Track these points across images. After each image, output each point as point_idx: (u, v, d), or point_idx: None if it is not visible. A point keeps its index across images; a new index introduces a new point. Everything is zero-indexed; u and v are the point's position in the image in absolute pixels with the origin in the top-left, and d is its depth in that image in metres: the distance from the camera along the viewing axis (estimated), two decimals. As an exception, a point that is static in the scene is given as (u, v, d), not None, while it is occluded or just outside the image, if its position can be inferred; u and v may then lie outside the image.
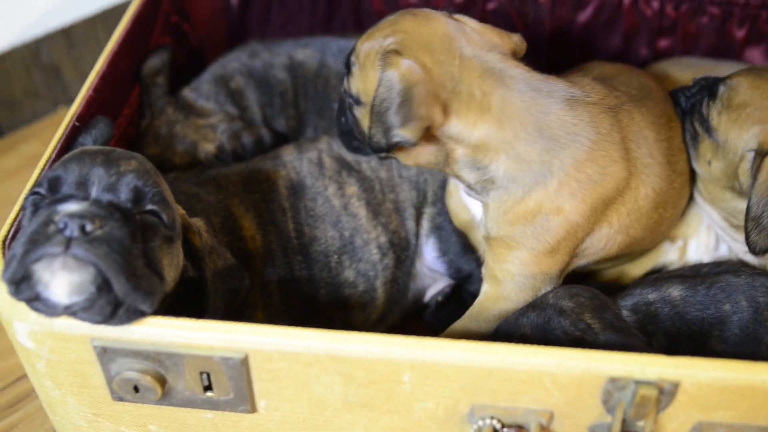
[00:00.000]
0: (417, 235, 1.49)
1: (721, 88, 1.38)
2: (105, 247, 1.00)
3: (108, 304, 1.01)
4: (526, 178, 1.24)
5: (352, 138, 1.36)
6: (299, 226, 1.41)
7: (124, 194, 1.08)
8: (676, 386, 1.03)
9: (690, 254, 1.53)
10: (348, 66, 1.31)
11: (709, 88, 1.42)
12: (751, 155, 1.32)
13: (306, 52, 1.73)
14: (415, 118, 1.18)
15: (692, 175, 1.46)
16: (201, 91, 1.67)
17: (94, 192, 1.07)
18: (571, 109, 1.25)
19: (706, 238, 1.52)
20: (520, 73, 1.26)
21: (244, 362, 1.07)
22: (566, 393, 1.06)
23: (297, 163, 1.48)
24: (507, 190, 1.26)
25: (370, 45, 1.26)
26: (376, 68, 1.23)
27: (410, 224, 1.48)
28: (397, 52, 1.21)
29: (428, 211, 1.49)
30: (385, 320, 1.48)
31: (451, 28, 1.26)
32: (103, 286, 1.00)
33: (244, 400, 1.12)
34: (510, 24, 1.87)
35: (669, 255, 1.52)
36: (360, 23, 1.93)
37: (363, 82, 1.27)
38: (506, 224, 1.27)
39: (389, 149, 1.23)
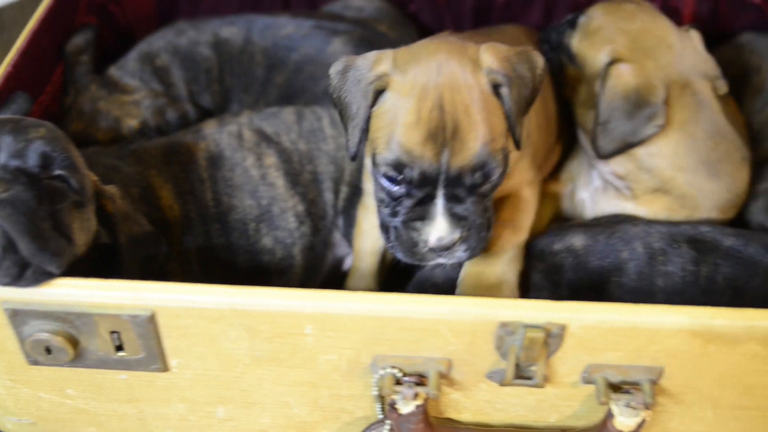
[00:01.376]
0: (335, 207, 1.53)
1: (581, 18, 1.57)
2: (9, 209, 1.03)
3: (14, 265, 1.04)
4: None
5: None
6: (217, 196, 1.45)
7: (32, 160, 1.11)
8: (563, 329, 1.08)
9: (579, 194, 1.64)
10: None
11: (571, 21, 1.60)
12: (603, 70, 1.48)
13: (231, 29, 1.76)
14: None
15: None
16: (126, 69, 1.71)
17: (2, 158, 1.10)
18: None
19: (587, 176, 1.62)
20: None
21: (152, 320, 1.11)
22: (462, 340, 1.11)
23: (217, 135, 1.51)
24: None
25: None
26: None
27: (328, 195, 1.53)
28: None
29: (344, 190, 1.54)
30: (304, 287, 1.51)
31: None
32: (9, 246, 1.03)
33: (155, 358, 1.16)
34: (433, 2, 1.92)
35: (564, 202, 1.61)
36: (287, 3, 1.96)
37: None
38: None
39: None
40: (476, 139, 1.14)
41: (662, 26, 1.53)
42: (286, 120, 1.57)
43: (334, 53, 1.71)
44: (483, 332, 1.10)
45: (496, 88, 1.18)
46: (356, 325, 1.10)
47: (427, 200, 1.16)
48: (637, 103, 1.44)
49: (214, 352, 1.16)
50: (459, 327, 1.09)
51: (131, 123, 1.61)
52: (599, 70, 1.49)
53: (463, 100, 1.14)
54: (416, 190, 1.16)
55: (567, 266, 1.36)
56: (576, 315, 1.08)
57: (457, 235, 1.16)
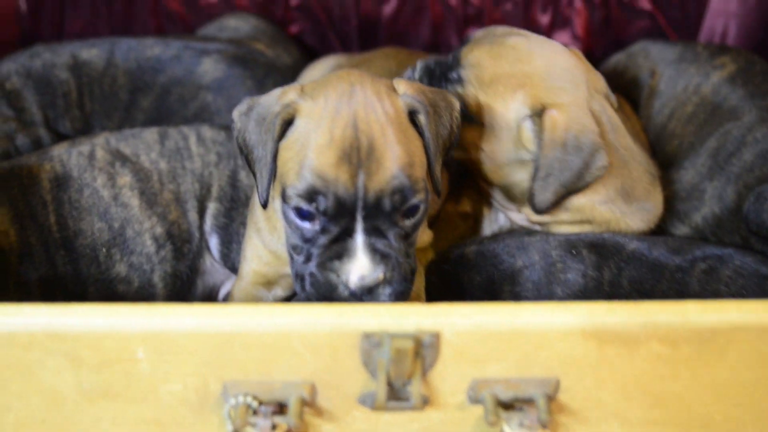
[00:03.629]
0: (200, 229, 1.38)
1: (463, 72, 1.33)
2: None
3: None
4: None
5: None
6: (62, 219, 1.29)
7: None
8: (436, 337, 0.94)
9: (484, 230, 1.50)
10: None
11: (441, 75, 1.37)
12: (527, 122, 1.28)
13: (92, 51, 1.64)
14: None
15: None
16: (-27, 95, 1.56)
17: None
18: None
19: (491, 215, 1.49)
20: None
21: (-48, 350, 0.93)
22: (321, 357, 0.95)
23: (65, 156, 1.36)
24: None
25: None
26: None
27: (192, 216, 1.38)
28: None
29: (212, 206, 1.40)
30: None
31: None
32: None
33: (-36, 399, 0.98)
34: (315, 20, 1.81)
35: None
36: (160, 26, 1.84)
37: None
38: None
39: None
40: (393, 160, 1.05)
41: (560, 55, 1.35)
42: (147, 139, 1.42)
43: (205, 73, 1.59)
44: (345, 346, 0.94)
45: (412, 115, 1.11)
46: (195, 345, 0.94)
47: (345, 236, 1.06)
48: (578, 147, 1.27)
49: (34, 387, 0.98)
50: (315, 340, 0.94)
51: (-27, 150, 1.45)
52: (514, 122, 1.30)
53: (378, 119, 1.06)
54: (332, 223, 1.06)
55: (460, 274, 1.22)
56: (448, 319, 0.93)
57: (380, 273, 1.05)
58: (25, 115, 1.58)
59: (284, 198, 1.09)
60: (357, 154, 1.04)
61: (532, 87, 1.30)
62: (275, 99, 1.13)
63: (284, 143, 1.10)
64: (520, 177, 1.33)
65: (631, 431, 1.06)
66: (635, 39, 1.89)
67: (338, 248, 1.06)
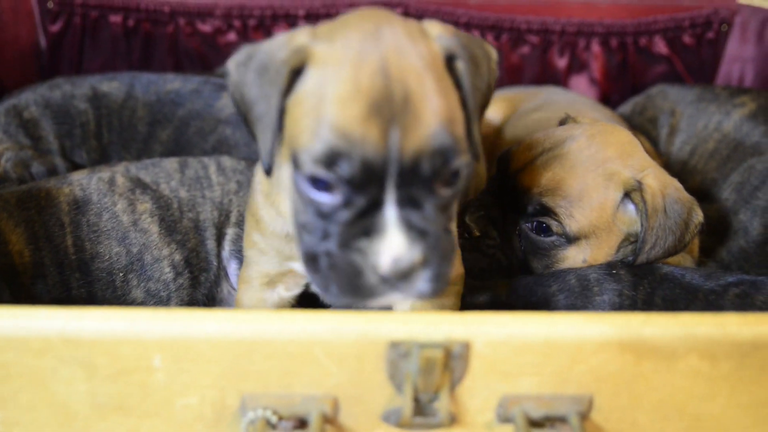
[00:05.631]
0: (218, 256, 1.35)
1: (545, 201, 1.24)
2: None
3: None
4: None
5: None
6: (79, 241, 1.26)
7: None
8: (466, 347, 0.90)
9: None
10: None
11: (509, 217, 1.30)
12: (625, 204, 1.25)
13: (112, 84, 1.64)
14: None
15: None
16: (-9, 122, 1.55)
17: None
18: None
19: None
20: None
21: (-38, 356, 0.89)
22: (346, 368, 0.91)
23: (85, 181, 1.35)
24: None
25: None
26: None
27: (211, 244, 1.35)
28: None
29: (230, 232, 1.37)
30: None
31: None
32: None
33: (-29, 412, 0.93)
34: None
35: None
36: (179, 65, 1.84)
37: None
38: None
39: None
40: (434, 113, 0.86)
41: (612, 132, 1.31)
42: (168, 168, 1.41)
43: (224, 107, 1.59)
44: (371, 355, 0.90)
45: (449, 62, 0.93)
46: (214, 353, 0.90)
47: (373, 209, 0.87)
48: (676, 208, 1.24)
49: (45, 399, 0.94)
50: (340, 350, 0.90)
51: (-12, 174, 1.44)
52: (612, 214, 1.25)
53: (413, 64, 0.87)
54: (357, 194, 0.86)
55: (492, 307, 1.19)
56: (481, 328, 0.89)
57: (417, 253, 0.86)
58: (41, 144, 1.57)
59: (296, 165, 0.90)
60: (389, 107, 0.84)
61: (615, 172, 1.25)
62: (282, 44, 0.93)
63: (293, 98, 0.91)
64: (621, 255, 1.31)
65: (667, 457, 1.01)
66: (652, 83, 1.90)
67: (365, 224, 0.87)
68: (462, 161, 0.88)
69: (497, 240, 1.30)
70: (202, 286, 1.33)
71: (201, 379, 0.92)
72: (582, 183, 1.23)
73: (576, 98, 1.74)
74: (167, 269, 1.30)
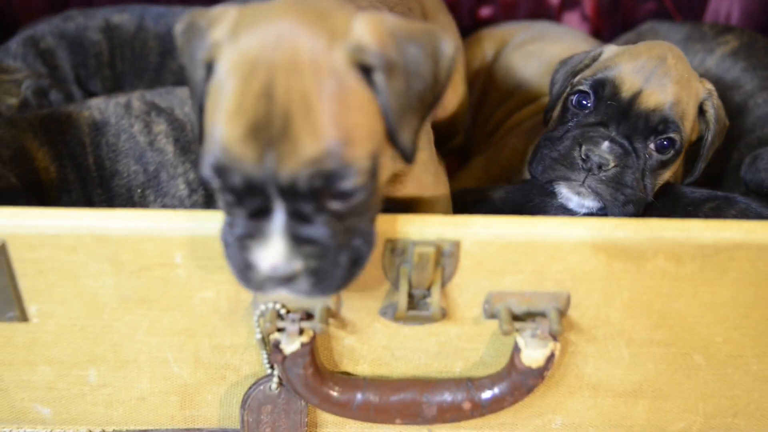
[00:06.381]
0: None
1: (669, 112, 1.27)
2: None
3: None
4: None
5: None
6: (100, 160, 1.36)
7: None
8: (456, 246, 1.00)
9: None
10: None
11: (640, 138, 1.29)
12: (708, 101, 1.34)
13: (123, 16, 1.71)
14: None
15: None
16: (8, 52, 1.64)
17: None
18: None
19: None
20: None
21: (2, 251, 0.99)
22: (348, 265, 1.01)
23: (103, 105, 1.43)
24: None
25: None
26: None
27: None
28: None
29: None
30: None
31: None
32: None
33: (10, 303, 1.04)
34: None
35: None
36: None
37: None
38: None
39: None
40: (314, 140, 0.83)
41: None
42: (180, 95, 1.49)
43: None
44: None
45: (367, 73, 0.88)
46: (230, 249, 1.00)
47: (265, 213, 0.88)
48: (722, 114, 1.37)
49: (76, 293, 1.04)
50: (343, 247, 1.00)
51: (10, 101, 1.52)
52: (694, 112, 1.32)
53: (301, 85, 0.84)
54: (247, 198, 0.87)
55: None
56: (469, 229, 1.00)
57: (297, 265, 0.87)
58: (58, 73, 1.65)
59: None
60: (267, 131, 0.83)
61: (695, 85, 1.32)
62: (206, 27, 0.93)
63: (209, 86, 0.90)
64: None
65: (636, 351, 1.12)
66: (642, 21, 1.95)
67: (256, 226, 0.88)
68: (353, 182, 0.86)
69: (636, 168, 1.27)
70: (215, 205, 1.42)
71: (217, 274, 1.02)
72: (687, 96, 1.30)
73: (568, 31, 1.81)
74: (182, 186, 1.39)
